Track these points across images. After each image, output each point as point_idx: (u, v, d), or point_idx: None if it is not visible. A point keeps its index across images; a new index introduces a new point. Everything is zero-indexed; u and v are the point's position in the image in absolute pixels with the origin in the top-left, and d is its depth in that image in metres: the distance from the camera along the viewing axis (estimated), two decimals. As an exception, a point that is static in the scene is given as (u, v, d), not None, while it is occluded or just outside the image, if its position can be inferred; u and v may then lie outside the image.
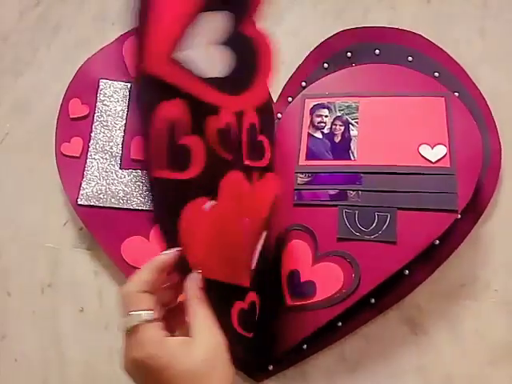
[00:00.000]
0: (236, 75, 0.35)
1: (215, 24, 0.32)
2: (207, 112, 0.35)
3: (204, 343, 0.30)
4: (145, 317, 0.30)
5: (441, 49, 0.51)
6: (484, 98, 0.49)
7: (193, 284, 0.32)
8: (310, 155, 0.46)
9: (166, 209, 0.34)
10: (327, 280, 0.42)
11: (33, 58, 0.57)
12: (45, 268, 0.50)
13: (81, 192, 0.48)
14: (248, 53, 0.35)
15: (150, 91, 0.32)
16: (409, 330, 0.44)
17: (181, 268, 0.33)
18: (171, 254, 0.33)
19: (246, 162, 0.40)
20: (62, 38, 0.57)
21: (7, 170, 0.54)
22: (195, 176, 0.34)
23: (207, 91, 0.34)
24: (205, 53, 0.33)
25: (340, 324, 0.43)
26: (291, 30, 0.54)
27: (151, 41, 0.31)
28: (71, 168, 0.50)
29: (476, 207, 0.46)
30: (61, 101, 0.53)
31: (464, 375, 0.43)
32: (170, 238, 0.34)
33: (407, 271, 0.43)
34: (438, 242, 0.43)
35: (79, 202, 0.48)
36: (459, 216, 0.42)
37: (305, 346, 0.44)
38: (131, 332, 0.30)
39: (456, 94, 0.48)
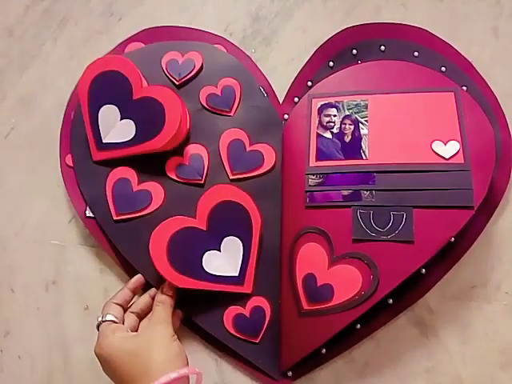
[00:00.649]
0: (146, 127, 0.46)
1: (111, 112, 0.47)
2: (156, 160, 0.47)
3: (146, 333, 0.40)
4: (106, 318, 0.41)
5: (446, 43, 0.50)
6: (492, 91, 0.48)
7: (159, 292, 0.43)
8: (321, 156, 0.46)
9: (132, 241, 0.45)
10: (345, 283, 0.41)
11: (39, 52, 0.56)
12: (49, 265, 0.50)
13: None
14: (150, 108, 0.46)
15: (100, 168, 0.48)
16: (419, 333, 0.44)
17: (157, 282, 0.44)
18: (139, 277, 0.45)
19: (234, 176, 0.47)
20: (69, 33, 0.56)
21: (12, 166, 0.53)
22: (156, 210, 0.46)
23: (134, 149, 0.46)
24: (117, 129, 0.47)
25: (359, 326, 0.43)
26: (300, 27, 0.53)
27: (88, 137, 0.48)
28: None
29: (489, 202, 0.45)
30: (68, 96, 0.52)
31: (474, 378, 0.42)
32: (137, 263, 0.45)
33: (424, 270, 0.43)
34: (453, 239, 0.42)
35: (87, 215, 0.47)
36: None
37: (324, 351, 0.43)
38: (99, 330, 0.41)
39: (464, 88, 0.47)
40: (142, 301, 0.44)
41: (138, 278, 0.45)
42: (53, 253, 0.50)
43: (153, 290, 0.44)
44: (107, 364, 0.39)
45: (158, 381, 0.35)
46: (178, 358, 0.38)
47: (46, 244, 0.50)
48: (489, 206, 0.45)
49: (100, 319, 0.41)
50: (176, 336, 0.40)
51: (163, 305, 0.42)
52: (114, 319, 0.41)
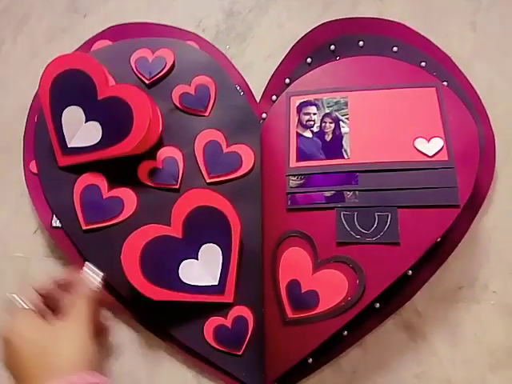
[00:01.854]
0: (113, 130, 0.43)
1: (75, 113, 0.44)
2: (127, 164, 0.44)
3: (62, 326, 0.36)
4: (19, 304, 0.37)
5: (425, 38, 0.49)
6: (472, 86, 0.48)
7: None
8: (301, 156, 0.44)
9: (102, 252, 0.43)
10: (330, 288, 0.39)
11: (-3, 51, 0.54)
12: (14, 279, 0.47)
13: (55, 213, 0.46)
14: (117, 108, 0.43)
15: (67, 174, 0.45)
16: (407, 337, 0.43)
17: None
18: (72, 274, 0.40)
19: (211, 180, 0.45)
20: (30, 31, 0.53)
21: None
22: (128, 218, 0.43)
23: (101, 153, 0.44)
24: (83, 132, 0.44)
25: (346, 333, 0.41)
26: (276, 22, 0.51)
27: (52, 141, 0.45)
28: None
29: (474, 200, 0.44)
30: (31, 98, 0.49)
31: (464, 381, 0.41)
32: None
33: (410, 272, 0.41)
34: (439, 239, 0.41)
35: (54, 225, 0.44)
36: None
37: (310, 360, 0.41)
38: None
39: (444, 83, 0.46)
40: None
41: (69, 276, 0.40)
42: (17, 266, 0.47)
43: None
44: (12, 352, 0.35)
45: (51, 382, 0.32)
46: (86, 360, 0.35)
47: (10, 257, 0.47)
48: (473, 205, 0.44)
49: (18, 302, 0.37)
50: (92, 338, 0.36)
51: (87, 299, 0.38)
52: (31, 307, 0.37)
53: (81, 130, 0.44)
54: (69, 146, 0.44)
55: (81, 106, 0.44)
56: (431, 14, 0.51)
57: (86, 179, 0.44)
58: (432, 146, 0.42)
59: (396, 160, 0.42)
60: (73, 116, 0.44)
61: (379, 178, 0.41)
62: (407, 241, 0.39)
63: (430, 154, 0.41)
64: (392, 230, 0.40)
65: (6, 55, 0.53)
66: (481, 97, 0.47)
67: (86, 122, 0.44)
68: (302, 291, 0.40)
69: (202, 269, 0.42)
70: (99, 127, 0.44)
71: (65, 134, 0.44)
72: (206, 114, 0.46)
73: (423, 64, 0.48)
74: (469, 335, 0.42)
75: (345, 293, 0.39)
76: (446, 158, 0.41)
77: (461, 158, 0.41)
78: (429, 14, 0.51)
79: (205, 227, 0.42)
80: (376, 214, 0.40)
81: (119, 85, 0.45)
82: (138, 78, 0.47)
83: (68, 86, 0.44)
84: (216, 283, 0.42)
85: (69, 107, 0.44)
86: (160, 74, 0.47)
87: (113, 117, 0.43)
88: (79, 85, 0.44)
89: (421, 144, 0.42)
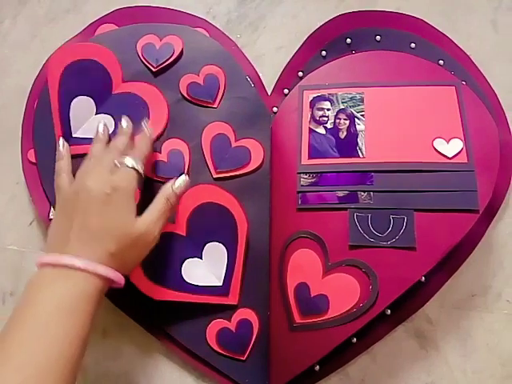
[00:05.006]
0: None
1: (85, 104, 0.43)
2: None
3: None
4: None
5: (445, 35, 0.47)
6: (491, 87, 0.46)
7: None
8: (314, 153, 0.42)
9: None
10: (341, 293, 0.37)
11: (-4, 31, 0.51)
12: (7, 274, 0.44)
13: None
14: (132, 104, 0.43)
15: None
16: (418, 345, 0.41)
17: None
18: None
19: (217, 175, 0.42)
20: (31, 10, 0.51)
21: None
22: None
23: None
24: (91, 124, 0.42)
25: (355, 340, 0.39)
26: (290, 12, 0.49)
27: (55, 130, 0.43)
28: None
29: (490, 205, 0.42)
30: (31, 81, 0.47)
31: None
32: None
33: (424, 278, 0.40)
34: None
35: (52, 217, 0.42)
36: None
37: (317, 368, 0.39)
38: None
39: (463, 82, 0.44)
40: None
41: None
42: (10, 260, 0.45)
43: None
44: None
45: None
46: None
47: (3, 250, 0.45)
48: (489, 210, 0.43)
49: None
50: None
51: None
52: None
53: (89, 122, 0.43)
54: (73, 135, 0.42)
55: (93, 98, 0.43)
56: (451, 11, 0.49)
57: None
58: (451, 148, 0.40)
59: (414, 160, 0.40)
60: (83, 106, 0.43)
61: (395, 179, 0.40)
62: (423, 246, 0.38)
63: (450, 156, 0.40)
64: (408, 233, 0.38)
65: (5, 35, 0.50)
66: (500, 99, 0.45)
67: (96, 114, 0.43)
68: (311, 295, 0.38)
69: (206, 268, 0.40)
70: (112, 121, 0.42)
71: (71, 123, 0.42)
72: (215, 105, 0.44)
73: (441, 62, 0.46)
74: (481, 345, 0.41)
75: (357, 298, 0.37)
76: (466, 161, 0.39)
77: (480, 161, 0.40)
78: (448, 11, 0.49)
79: (210, 225, 0.40)
80: (391, 216, 0.39)
81: (137, 82, 0.44)
82: (145, 65, 0.44)
83: (82, 75, 0.43)
84: (220, 284, 0.40)
85: (80, 97, 0.43)
86: (167, 62, 0.44)
87: (127, 112, 0.42)
88: (94, 76, 0.43)
89: (440, 145, 0.40)
